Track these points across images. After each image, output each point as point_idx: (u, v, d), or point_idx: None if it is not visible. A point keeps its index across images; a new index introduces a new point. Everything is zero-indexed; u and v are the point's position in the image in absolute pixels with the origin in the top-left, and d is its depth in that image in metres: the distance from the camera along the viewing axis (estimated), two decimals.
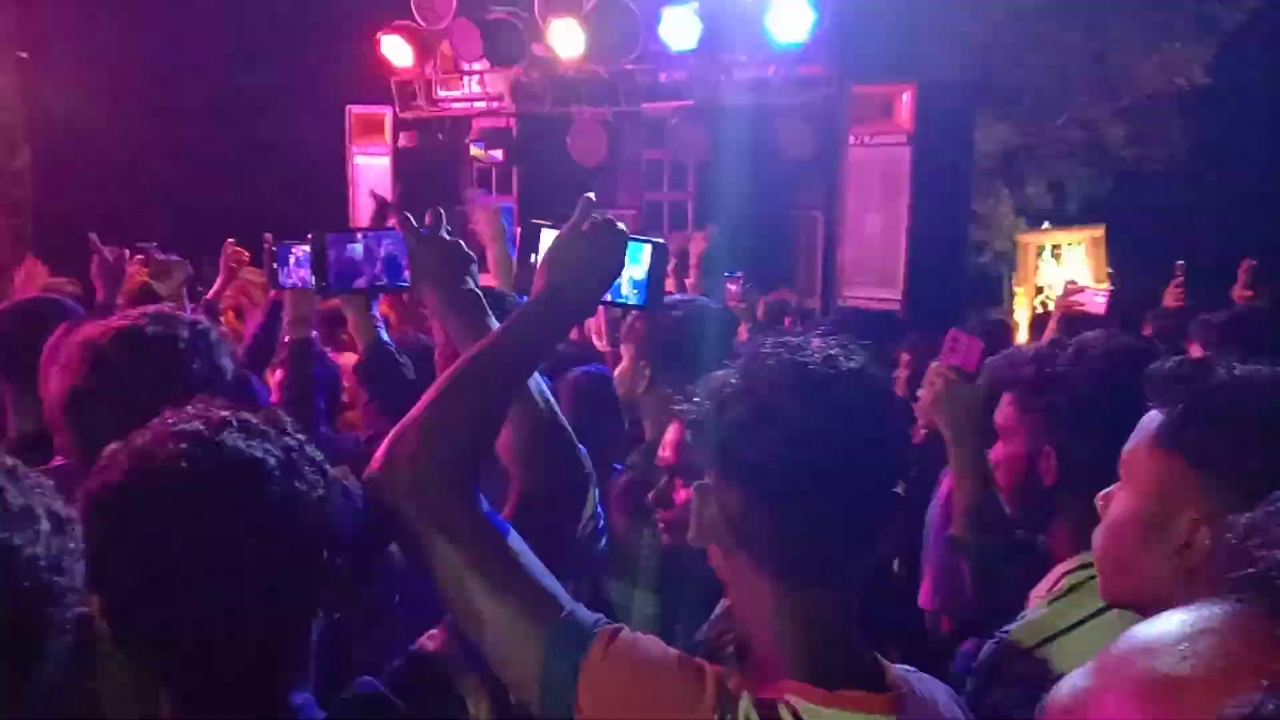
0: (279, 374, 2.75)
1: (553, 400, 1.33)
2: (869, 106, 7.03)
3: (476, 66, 8.16)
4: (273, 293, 2.97)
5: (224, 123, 8.50)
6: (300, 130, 8.24)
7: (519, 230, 1.34)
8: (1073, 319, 3.85)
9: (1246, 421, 1.11)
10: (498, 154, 8.23)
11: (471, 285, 1.37)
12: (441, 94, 8.59)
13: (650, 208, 8.25)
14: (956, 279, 7.54)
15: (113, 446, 1.00)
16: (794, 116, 7.12)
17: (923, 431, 2.48)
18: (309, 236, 1.68)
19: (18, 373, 2.18)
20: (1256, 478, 0.94)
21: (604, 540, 1.56)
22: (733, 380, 1.06)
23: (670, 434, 1.72)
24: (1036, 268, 11.14)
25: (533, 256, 1.31)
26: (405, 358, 2.35)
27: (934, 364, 2.01)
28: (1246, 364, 1.19)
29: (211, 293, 3.93)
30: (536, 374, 1.30)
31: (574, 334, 3.76)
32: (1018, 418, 1.68)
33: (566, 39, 7.20)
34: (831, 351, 1.05)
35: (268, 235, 2.61)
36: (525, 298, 1.26)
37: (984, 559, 1.90)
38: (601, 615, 1.08)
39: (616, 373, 2.37)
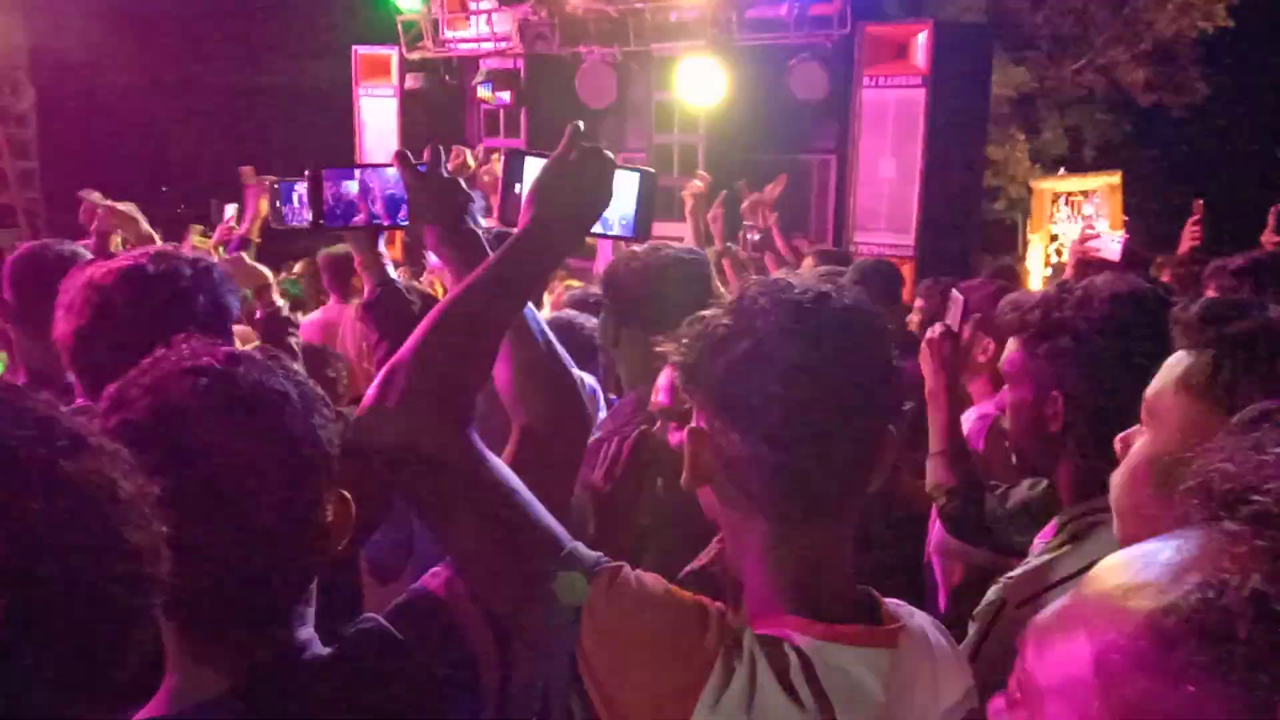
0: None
1: (551, 335, 1.31)
2: (883, 47, 6.90)
3: (484, 5, 8.04)
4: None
5: (230, 63, 8.43)
6: (306, 71, 8.17)
7: (503, 159, 1.31)
8: (1088, 264, 3.81)
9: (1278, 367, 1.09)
10: (505, 96, 8.14)
11: (470, 224, 1.36)
12: (448, 34, 8.48)
13: (660, 150, 8.16)
14: (970, 226, 7.46)
15: (119, 384, 1.00)
16: (806, 57, 7.01)
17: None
18: (306, 174, 1.66)
19: (29, 318, 2.19)
20: None
21: None
22: (724, 322, 1.04)
23: (663, 378, 1.70)
24: (1052, 215, 11.02)
25: (517, 186, 1.28)
26: (415, 295, 2.34)
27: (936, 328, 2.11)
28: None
29: (244, 229, 3.90)
30: (532, 308, 1.28)
31: None
32: (1024, 363, 1.66)
33: None
34: (823, 289, 1.04)
35: (244, 169, 2.59)
36: (507, 229, 1.23)
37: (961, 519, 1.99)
38: (602, 554, 1.08)
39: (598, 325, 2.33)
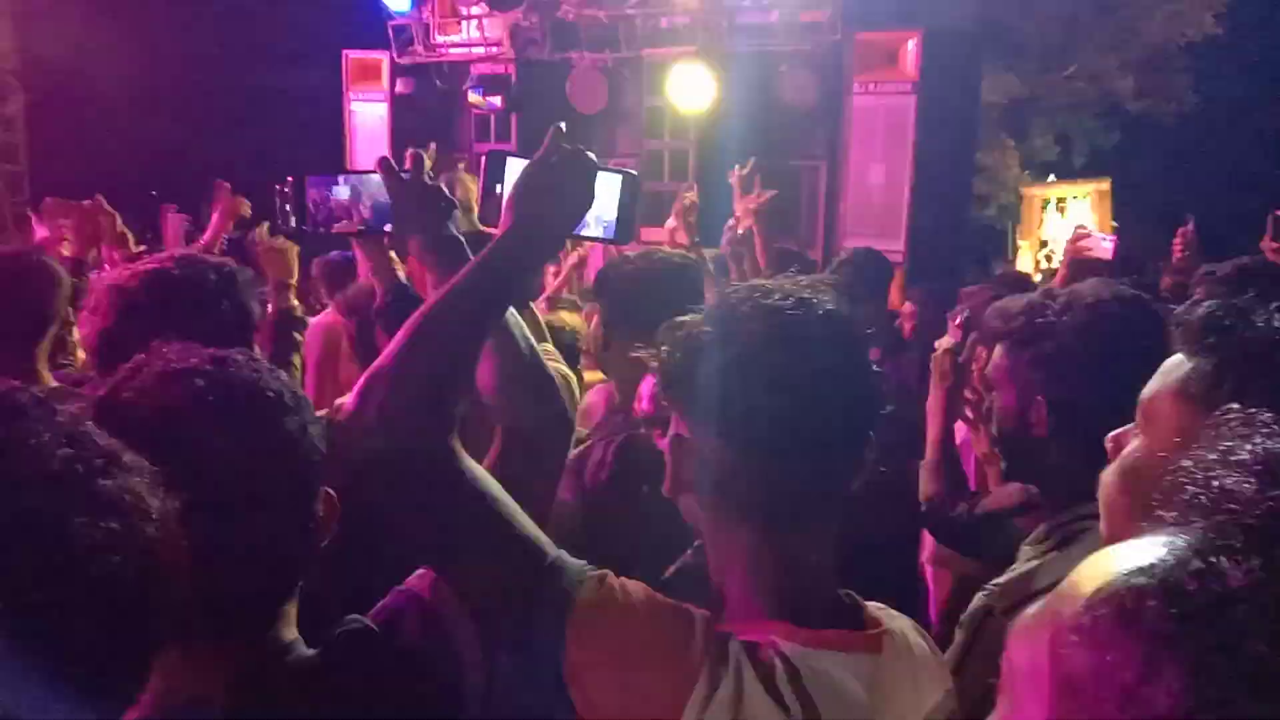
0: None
1: (532, 339, 1.31)
2: (873, 54, 6.92)
3: (475, 10, 8.03)
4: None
5: (220, 67, 8.40)
6: (297, 76, 8.15)
7: (485, 161, 1.30)
8: (1081, 265, 3.81)
9: None
10: (496, 101, 8.13)
11: (453, 231, 1.35)
12: (439, 39, 8.47)
13: (651, 156, 8.16)
14: (960, 232, 7.48)
15: (108, 387, 1.00)
16: (797, 63, 7.02)
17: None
18: (289, 179, 1.66)
19: None
20: None
21: None
22: (705, 329, 1.04)
23: (645, 386, 1.69)
24: (1041, 221, 11.06)
25: (498, 188, 1.27)
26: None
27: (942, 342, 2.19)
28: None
29: (205, 239, 3.86)
30: (514, 312, 1.28)
31: None
32: (1009, 369, 1.67)
33: None
34: (804, 295, 1.04)
35: (221, 184, 2.59)
36: (488, 230, 1.23)
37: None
38: (586, 562, 1.07)
39: (588, 332, 2.33)
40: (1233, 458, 0.60)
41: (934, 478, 2.11)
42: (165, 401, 0.96)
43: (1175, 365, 1.18)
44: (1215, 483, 0.59)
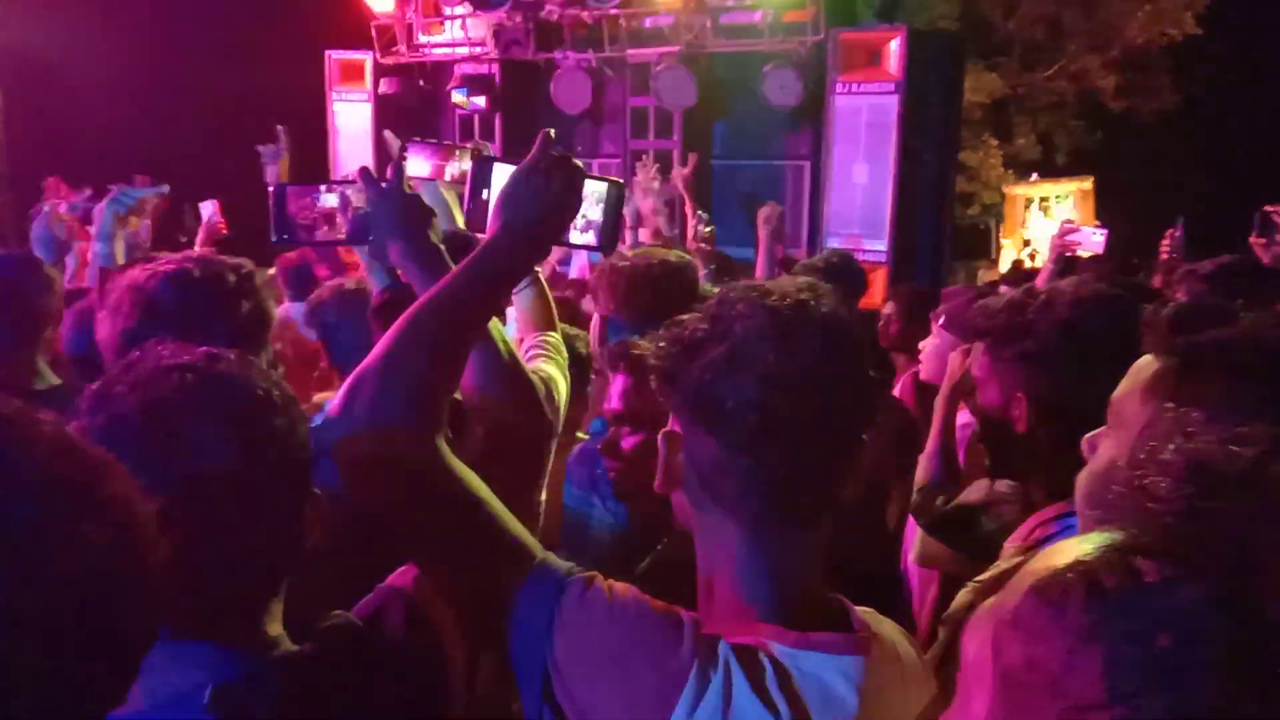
0: None
1: (515, 346, 1.31)
2: (857, 54, 6.94)
3: (458, 10, 8.01)
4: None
5: (201, 66, 8.35)
6: (279, 76, 8.10)
7: (471, 165, 1.30)
8: (1069, 260, 3.81)
9: (1244, 378, 1.03)
10: (480, 101, 8.11)
11: (433, 238, 1.35)
12: (422, 39, 8.44)
13: (636, 156, 8.16)
14: (944, 231, 7.51)
15: (100, 383, 1.00)
16: (780, 63, 7.04)
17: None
18: (270, 190, 1.66)
19: None
20: None
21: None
22: (701, 326, 1.04)
23: (616, 384, 1.68)
24: (1024, 220, 11.13)
25: (484, 193, 1.27)
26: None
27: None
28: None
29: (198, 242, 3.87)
30: (497, 319, 1.28)
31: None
32: (990, 366, 1.68)
33: None
34: (801, 295, 1.04)
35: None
36: (473, 235, 1.23)
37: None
38: (574, 563, 1.07)
39: (591, 331, 2.33)
40: (1158, 457, 0.64)
41: (928, 466, 2.18)
42: (155, 395, 0.96)
43: (1145, 365, 1.19)
44: (1136, 482, 0.62)
